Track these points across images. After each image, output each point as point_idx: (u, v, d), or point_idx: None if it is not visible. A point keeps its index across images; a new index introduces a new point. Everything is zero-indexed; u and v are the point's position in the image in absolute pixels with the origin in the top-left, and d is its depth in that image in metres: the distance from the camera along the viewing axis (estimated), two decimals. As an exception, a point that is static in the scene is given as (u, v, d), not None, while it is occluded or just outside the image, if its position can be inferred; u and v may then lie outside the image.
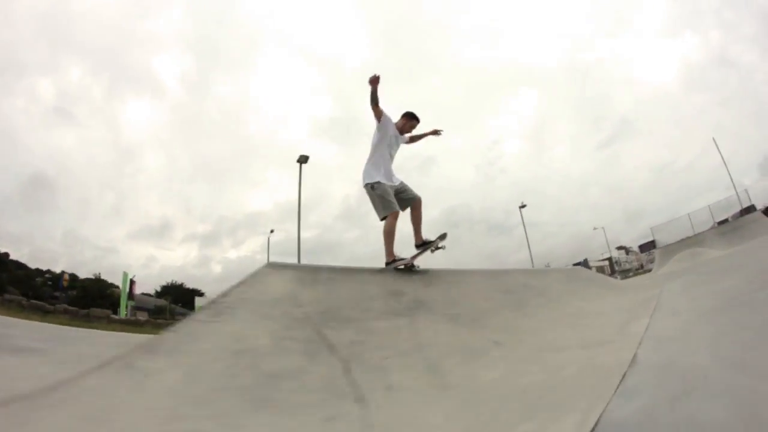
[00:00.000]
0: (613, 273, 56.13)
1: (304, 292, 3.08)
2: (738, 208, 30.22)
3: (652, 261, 34.69)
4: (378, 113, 4.30)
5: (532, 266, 32.34)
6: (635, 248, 61.91)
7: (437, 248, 4.51)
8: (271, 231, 34.63)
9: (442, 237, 4.58)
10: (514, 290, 4.53)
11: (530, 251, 40.43)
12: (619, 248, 75.27)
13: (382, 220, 4.26)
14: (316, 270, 3.59)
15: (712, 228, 27.64)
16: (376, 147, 4.40)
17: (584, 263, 55.26)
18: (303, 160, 25.26)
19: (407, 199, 4.50)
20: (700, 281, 4.41)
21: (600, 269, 68.21)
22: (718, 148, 33.11)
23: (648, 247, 42.87)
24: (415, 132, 4.84)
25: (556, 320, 3.55)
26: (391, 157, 4.54)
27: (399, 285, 3.72)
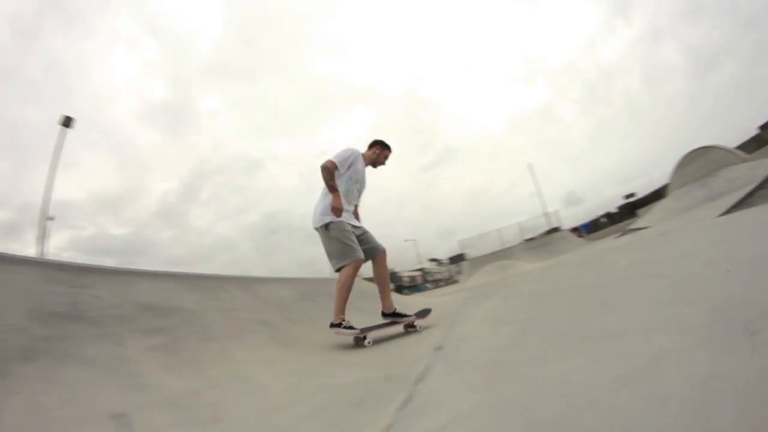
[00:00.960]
0: (425, 282, 61.54)
1: None
2: (543, 229, 32.25)
3: (460, 272, 35.48)
4: (332, 164, 3.45)
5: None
6: (446, 260, 65.87)
7: (413, 327, 3.50)
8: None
9: (424, 314, 3.68)
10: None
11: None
12: (432, 260, 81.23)
13: (337, 270, 3.36)
14: None
15: (521, 243, 28.76)
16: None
17: (393, 274, 60.45)
18: (66, 122, 19.56)
19: (369, 249, 3.51)
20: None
21: (412, 279, 72.80)
22: (533, 175, 35.39)
23: (458, 259, 43.79)
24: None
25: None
26: (354, 196, 3.62)
27: None
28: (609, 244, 12.64)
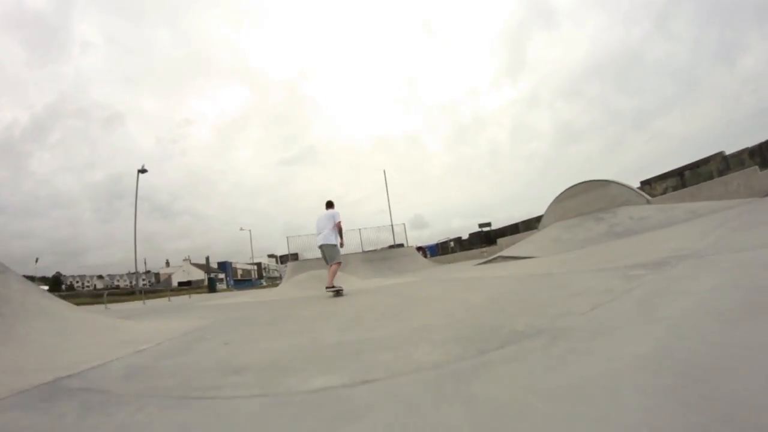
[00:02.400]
0: (260, 278, 62.69)
1: None
2: (387, 244, 29.03)
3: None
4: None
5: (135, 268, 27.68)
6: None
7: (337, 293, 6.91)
8: None
9: (340, 292, 6.98)
10: None
11: (135, 248, 29.18)
12: (270, 256, 74.56)
13: (332, 264, 7.11)
14: None
15: (359, 253, 23.96)
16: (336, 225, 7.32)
17: (226, 265, 57.57)
18: None
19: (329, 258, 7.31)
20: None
21: (246, 272, 67.14)
22: (386, 180, 31.55)
23: (288, 259, 38.13)
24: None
25: None
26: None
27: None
28: (496, 271, 8.21)
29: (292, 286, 11.80)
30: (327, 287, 6.82)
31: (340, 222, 7.23)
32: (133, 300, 23.37)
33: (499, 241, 21.14)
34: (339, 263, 7.11)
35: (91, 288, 74.82)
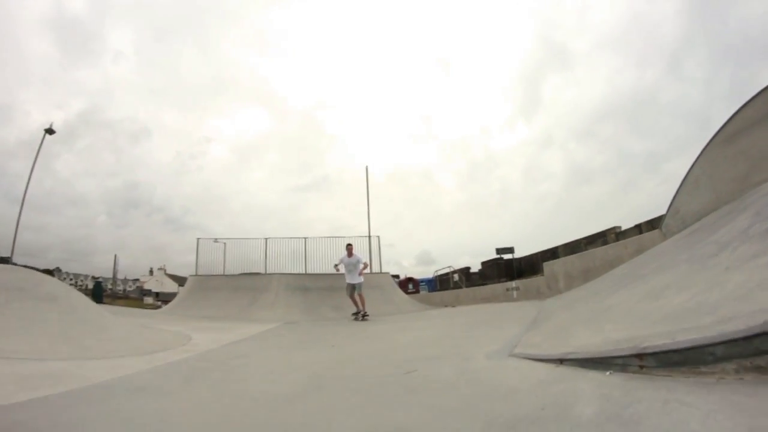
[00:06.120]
0: None
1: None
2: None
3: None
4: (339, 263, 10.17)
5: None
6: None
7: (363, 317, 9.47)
8: None
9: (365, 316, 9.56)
10: None
11: (17, 228, 20.18)
12: None
13: (359, 293, 9.70)
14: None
15: (291, 275, 14.10)
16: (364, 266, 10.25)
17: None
18: None
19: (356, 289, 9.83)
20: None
21: None
22: (367, 181, 21.91)
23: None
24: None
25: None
26: (354, 269, 9.85)
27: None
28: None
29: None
30: (354, 314, 9.69)
31: (366, 263, 10.40)
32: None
33: (549, 265, 11.25)
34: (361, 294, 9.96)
35: (83, 288, 68.11)
